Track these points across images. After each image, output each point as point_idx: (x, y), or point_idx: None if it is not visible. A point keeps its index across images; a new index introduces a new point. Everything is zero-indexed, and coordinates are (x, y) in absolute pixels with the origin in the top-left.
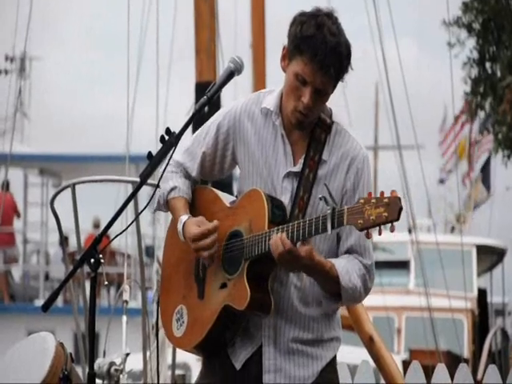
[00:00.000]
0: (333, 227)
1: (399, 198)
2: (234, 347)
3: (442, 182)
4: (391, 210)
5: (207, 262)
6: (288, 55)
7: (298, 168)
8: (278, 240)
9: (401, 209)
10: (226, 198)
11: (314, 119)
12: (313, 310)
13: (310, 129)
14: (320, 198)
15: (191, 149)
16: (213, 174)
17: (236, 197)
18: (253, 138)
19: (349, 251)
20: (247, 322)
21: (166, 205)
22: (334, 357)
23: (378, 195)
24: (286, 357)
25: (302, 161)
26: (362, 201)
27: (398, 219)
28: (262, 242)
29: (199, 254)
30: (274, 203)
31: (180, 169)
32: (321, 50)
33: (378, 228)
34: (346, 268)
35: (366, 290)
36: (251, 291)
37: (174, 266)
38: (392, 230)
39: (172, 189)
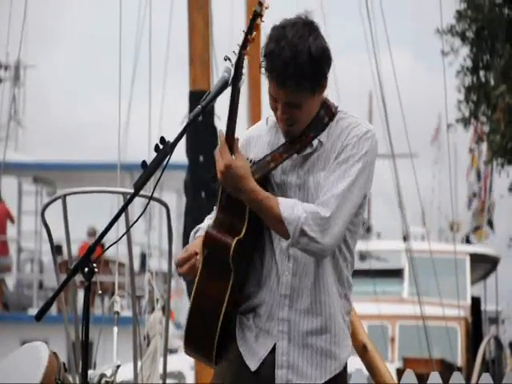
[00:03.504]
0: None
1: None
2: (247, 346)
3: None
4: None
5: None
6: (262, 73)
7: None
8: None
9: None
10: None
11: (304, 125)
12: (326, 296)
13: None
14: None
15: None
16: None
17: None
18: (266, 146)
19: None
20: (258, 317)
21: None
22: (346, 365)
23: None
24: (299, 352)
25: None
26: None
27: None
28: None
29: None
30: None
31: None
32: (276, 65)
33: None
34: (291, 202)
35: (322, 227)
36: (212, 228)
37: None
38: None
39: (196, 231)
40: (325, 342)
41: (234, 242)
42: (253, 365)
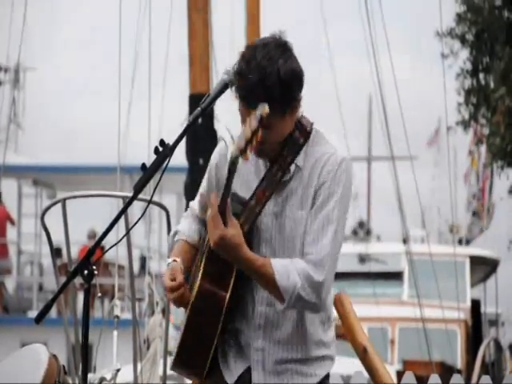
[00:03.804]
0: (232, 165)
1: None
2: (227, 364)
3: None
4: (254, 120)
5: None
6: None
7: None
8: (211, 209)
9: (261, 118)
10: None
11: (274, 144)
12: (300, 330)
13: (278, 147)
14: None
15: (199, 191)
16: None
17: None
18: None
19: (306, 247)
20: (238, 339)
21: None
22: (327, 375)
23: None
24: (276, 377)
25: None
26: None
27: (259, 127)
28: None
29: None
30: (234, 196)
31: (191, 211)
32: (243, 86)
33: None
34: (287, 267)
35: (316, 289)
36: (200, 284)
37: None
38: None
39: (174, 234)
40: (302, 367)
41: (227, 297)
42: (230, 380)
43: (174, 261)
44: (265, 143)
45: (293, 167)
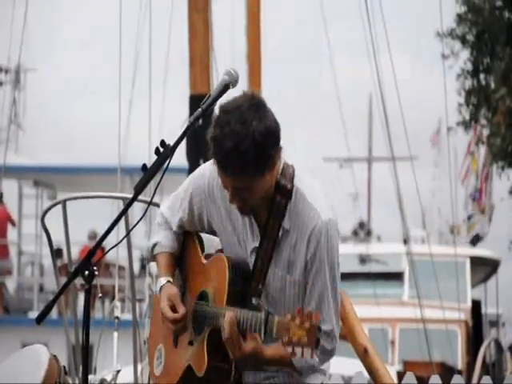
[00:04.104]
0: (265, 333)
1: (319, 328)
2: None
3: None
4: (310, 338)
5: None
6: None
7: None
8: (227, 325)
9: (318, 340)
10: (209, 245)
11: (258, 200)
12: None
13: (268, 195)
14: (256, 304)
15: (172, 206)
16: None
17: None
18: (224, 212)
19: None
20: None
21: (154, 259)
22: None
23: (306, 312)
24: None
25: (260, 233)
26: (289, 316)
27: (315, 347)
28: (219, 317)
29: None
30: (238, 273)
31: (165, 221)
32: (219, 153)
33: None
34: None
35: (328, 355)
36: (209, 359)
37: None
38: (312, 356)
39: (154, 245)
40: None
41: (233, 371)
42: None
43: (168, 282)
44: (247, 204)
45: (280, 231)
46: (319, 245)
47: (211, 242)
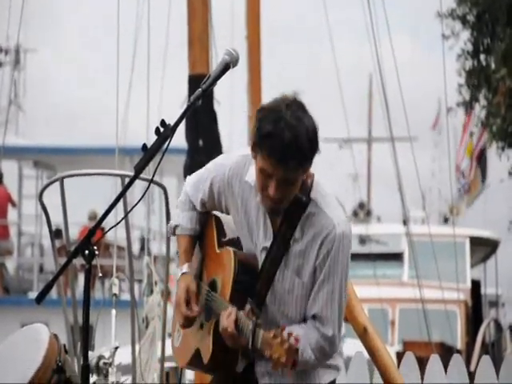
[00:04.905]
0: (252, 343)
1: (296, 350)
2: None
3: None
4: (288, 358)
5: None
6: (253, 148)
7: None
8: (225, 322)
9: (295, 362)
10: (228, 228)
11: (288, 202)
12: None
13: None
14: (248, 309)
15: (195, 185)
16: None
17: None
18: (240, 205)
19: (314, 317)
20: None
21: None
22: (333, 381)
23: (285, 333)
24: (280, 380)
25: (272, 237)
26: (271, 334)
27: (292, 367)
28: (222, 310)
29: None
30: (246, 271)
31: (189, 200)
32: (277, 146)
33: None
34: (301, 342)
35: (326, 356)
36: (214, 349)
37: None
38: (289, 375)
39: (176, 226)
40: (306, 375)
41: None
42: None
43: (185, 273)
44: (283, 201)
45: (292, 240)
46: (329, 254)
47: (231, 226)
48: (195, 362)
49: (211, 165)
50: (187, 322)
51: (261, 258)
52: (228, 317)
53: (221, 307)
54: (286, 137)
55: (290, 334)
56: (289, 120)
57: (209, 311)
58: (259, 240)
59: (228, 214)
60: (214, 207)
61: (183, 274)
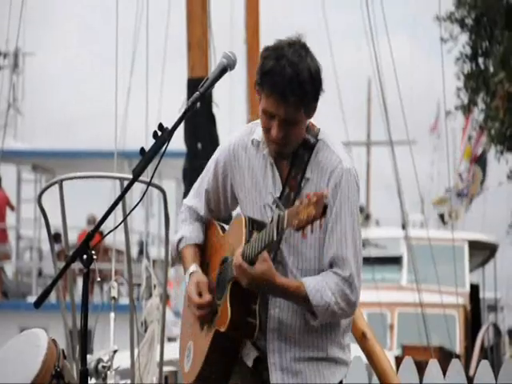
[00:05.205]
0: (277, 234)
1: (325, 196)
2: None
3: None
4: (318, 208)
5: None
6: (257, 91)
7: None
8: (234, 258)
9: (325, 206)
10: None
11: (296, 144)
12: (315, 330)
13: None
14: (273, 202)
15: (197, 189)
16: (220, 211)
17: None
18: (246, 169)
19: (330, 264)
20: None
21: (179, 257)
22: (340, 382)
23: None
24: (293, 377)
25: (281, 186)
26: (297, 203)
27: (322, 215)
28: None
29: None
30: (255, 226)
31: (190, 213)
32: (278, 82)
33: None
34: (318, 286)
35: (349, 303)
36: (232, 313)
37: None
38: (320, 225)
39: (180, 240)
40: (317, 365)
41: (257, 324)
42: (249, 362)
43: (193, 272)
44: (287, 143)
45: (303, 182)
46: (338, 188)
47: None
48: (212, 354)
49: (213, 155)
50: (204, 314)
51: (272, 210)
52: (237, 253)
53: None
54: (287, 73)
55: (317, 192)
56: (290, 57)
57: (222, 289)
58: (269, 195)
59: (232, 198)
60: (218, 196)
61: (192, 273)
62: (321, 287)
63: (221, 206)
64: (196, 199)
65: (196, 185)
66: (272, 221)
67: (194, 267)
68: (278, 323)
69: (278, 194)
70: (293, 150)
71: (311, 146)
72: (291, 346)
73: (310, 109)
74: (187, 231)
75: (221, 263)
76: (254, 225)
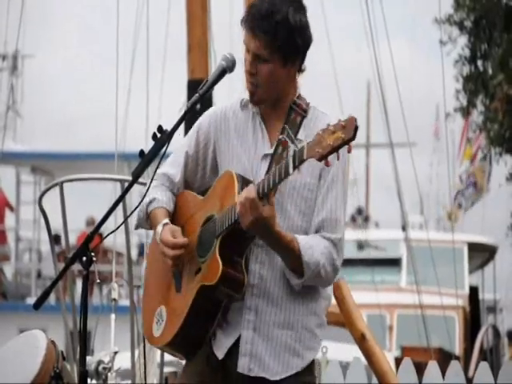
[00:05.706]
0: (294, 167)
1: (355, 118)
2: (216, 338)
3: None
4: (347, 131)
5: (172, 269)
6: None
7: (272, 150)
8: (244, 192)
9: (356, 127)
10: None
11: (271, 95)
12: (296, 295)
13: (282, 110)
14: (280, 139)
15: (173, 158)
16: (196, 180)
17: None
18: (233, 131)
19: (319, 227)
20: (227, 311)
21: (147, 218)
22: (313, 361)
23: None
24: (264, 343)
25: (274, 142)
26: (320, 132)
27: (353, 138)
28: (230, 212)
29: (164, 260)
30: (245, 181)
31: (162, 181)
32: (252, 15)
33: (336, 154)
34: (310, 243)
35: (334, 268)
36: (223, 264)
37: (154, 273)
38: (349, 150)
39: (151, 201)
40: (290, 339)
41: (245, 280)
42: (220, 353)
43: (166, 223)
44: (258, 86)
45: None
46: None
47: None
48: (198, 306)
49: (196, 122)
50: (177, 254)
51: (260, 167)
52: (248, 188)
53: (228, 212)
54: (263, 8)
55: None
56: (275, 0)
57: (208, 246)
58: (258, 152)
59: (211, 166)
60: (197, 164)
61: (165, 224)
62: (312, 244)
63: (197, 173)
64: (171, 166)
65: (171, 156)
66: (277, 165)
67: (167, 220)
68: (259, 279)
69: (268, 151)
70: (267, 99)
71: (304, 109)
72: (269, 306)
73: (288, 58)
74: (159, 195)
75: (204, 222)
76: (244, 180)
